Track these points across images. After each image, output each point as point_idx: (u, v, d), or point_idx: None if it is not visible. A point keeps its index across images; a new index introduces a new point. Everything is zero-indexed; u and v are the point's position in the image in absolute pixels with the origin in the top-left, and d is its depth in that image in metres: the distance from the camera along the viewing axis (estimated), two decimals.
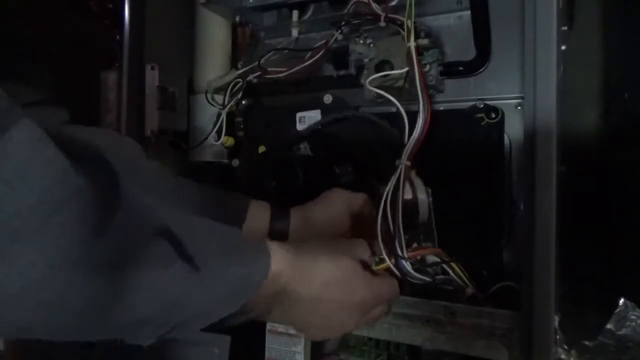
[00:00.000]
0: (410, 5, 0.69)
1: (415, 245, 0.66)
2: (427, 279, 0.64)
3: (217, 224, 0.44)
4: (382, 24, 0.73)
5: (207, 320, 0.42)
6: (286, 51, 0.86)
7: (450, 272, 0.65)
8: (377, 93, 0.70)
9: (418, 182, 0.68)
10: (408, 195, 0.66)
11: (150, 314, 0.38)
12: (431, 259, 0.66)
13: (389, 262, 0.62)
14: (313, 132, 0.80)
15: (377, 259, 0.62)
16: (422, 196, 0.66)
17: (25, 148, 0.29)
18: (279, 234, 0.68)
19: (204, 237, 0.41)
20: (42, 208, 0.29)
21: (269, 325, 0.76)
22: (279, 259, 0.46)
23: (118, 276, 0.35)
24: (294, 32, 0.88)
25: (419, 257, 0.64)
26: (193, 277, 0.38)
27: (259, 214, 0.68)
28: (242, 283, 0.43)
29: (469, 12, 0.75)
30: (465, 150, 0.73)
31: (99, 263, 0.33)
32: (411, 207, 0.66)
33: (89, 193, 0.32)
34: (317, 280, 0.50)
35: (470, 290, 0.64)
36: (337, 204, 0.70)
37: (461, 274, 0.64)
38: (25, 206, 0.29)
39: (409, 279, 0.64)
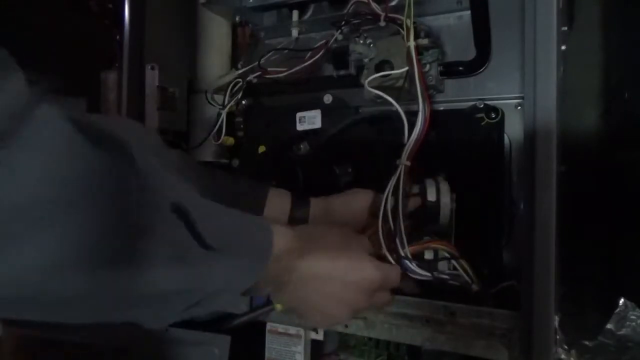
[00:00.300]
0: (410, 5, 0.69)
1: (426, 238, 0.66)
2: (428, 274, 0.64)
3: (225, 208, 0.45)
4: (382, 23, 0.74)
5: (228, 295, 0.44)
6: (286, 51, 0.86)
7: (459, 268, 0.65)
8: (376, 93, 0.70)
9: (444, 185, 0.68)
10: (431, 197, 0.66)
11: (170, 289, 0.39)
12: (441, 254, 0.66)
13: (390, 258, 0.63)
14: (313, 132, 0.80)
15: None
16: (446, 200, 0.67)
17: (48, 130, 0.31)
18: (298, 223, 0.68)
19: (215, 216, 0.43)
20: (66, 189, 0.31)
21: (269, 325, 0.76)
22: (284, 234, 0.48)
23: (138, 252, 0.36)
24: (294, 32, 0.88)
25: (429, 251, 0.64)
26: (208, 256, 0.40)
27: (278, 202, 0.69)
28: (255, 255, 0.44)
29: (469, 12, 0.75)
30: (465, 150, 0.73)
31: (117, 241, 0.34)
32: (432, 209, 0.67)
33: (107, 172, 0.33)
34: (326, 257, 0.51)
35: (476, 287, 0.64)
36: (360, 201, 0.70)
37: (469, 270, 0.65)
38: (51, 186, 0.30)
39: (410, 274, 0.64)
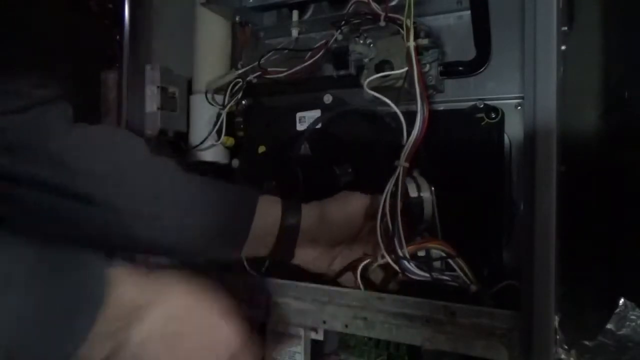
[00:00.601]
0: (410, 5, 0.69)
1: (418, 239, 0.67)
2: (427, 274, 0.64)
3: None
4: (382, 23, 0.73)
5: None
6: (286, 51, 0.86)
7: (456, 267, 0.65)
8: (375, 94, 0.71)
9: (422, 180, 0.69)
10: (413, 194, 0.67)
11: None
12: (436, 253, 0.67)
13: (389, 259, 0.63)
14: (313, 132, 0.80)
15: (379, 257, 0.63)
16: (427, 194, 0.68)
17: None
18: (290, 230, 0.67)
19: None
20: None
21: (269, 326, 0.76)
22: (127, 282, 0.42)
23: None
24: (294, 32, 0.88)
25: (421, 250, 0.65)
26: None
27: (269, 210, 0.67)
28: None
29: (469, 12, 0.75)
30: (465, 150, 0.73)
31: None
32: (416, 205, 0.68)
33: None
34: (174, 313, 0.44)
35: (474, 287, 0.64)
36: (355, 204, 0.69)
37: (466, 270, 0.65)
38: None
39: (410, 275, 0.65)
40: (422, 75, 0.71)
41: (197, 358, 0.46)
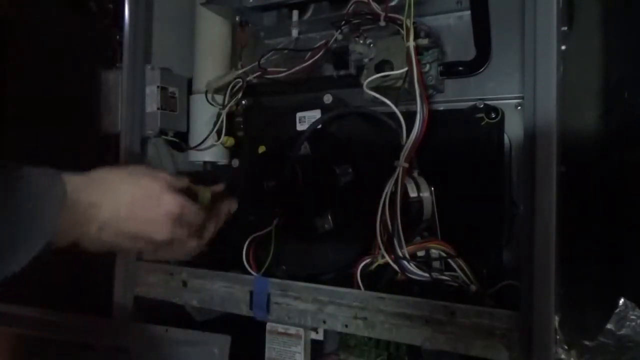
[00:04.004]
0: (410, 5, 0.69)
1: (418, 239, 0.67)
2: (427, 274, 0.64)
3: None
4: (382, 23, 0.74)
5: (39, 234, 0.47)
6: (286, 51, 0.86)
7: (456, 267, 0.65)
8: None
9: (421, 181, 0.69)
10: (413, 194, 0.67)
11: None
12: (436, 253, 0.67)
13: (388, 259, 0.63)
14: (313, 132, 0.80)
15: (379, 257, 0.63)
16: (426, 194, 0.69)
17: None
18: None
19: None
20: None
21: (269, 326, 0.76)
22: (75, 181, 0.51)
23: None
24: (294, 32, 0.88)
25: (421, 250, 0.65)
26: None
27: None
28: (49, 194, 0.48)
29: (469, 12, 0.75)
30: (465, 150, 0.73)
31: None
32: (416, 205, 0.68)
33: None
34: (121, 203, 0.54)
35: (474, 287, 0.64)
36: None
37: (466, 270, 0.65)
38: None
39: (410, 275, 0.65)
40: (422, 75, 0.71)
41: (148, 227, 0.56)
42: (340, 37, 0.79)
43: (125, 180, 0.56)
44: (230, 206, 0.74)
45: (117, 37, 0.91)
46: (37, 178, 0.49)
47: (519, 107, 0.72)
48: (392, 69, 0.71)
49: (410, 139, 0.67)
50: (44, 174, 0.49)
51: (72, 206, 0.49)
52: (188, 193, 0.64)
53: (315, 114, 0.80)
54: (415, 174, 0.71)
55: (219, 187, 0.76)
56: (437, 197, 0.70)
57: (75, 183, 0.51)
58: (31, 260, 0.47)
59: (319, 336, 0.75)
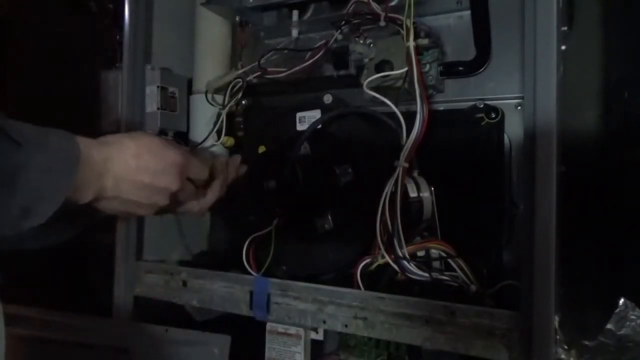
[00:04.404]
0: (410, 5, 0.69)
1: (418, 239, 0.67)
2: (427, 274, 0.64)
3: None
4: (382, 23, 0.74)
5: (55, 192, 0.50)
6: (286, 51, 0.86)
7: (456, 267, 0.65)
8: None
9: (422, 181, 0.69)
10: (413, 194, 0.67)
11: None
12: (436, 253, 0.67)
13: (388, 259, 0.63)
14: (313, 132, 0.80)
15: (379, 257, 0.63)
16: (426, 194, 0.69)
17: None
18: None
19: (23, 127, 0.49)
20: None
21: (269, 326, 0.76)
22: (86, 142, 0.54)
23: None
24: (294, 32, 0.88)
25: (421, 250, 0.65)
26: (20, 151, 0.47)
27: None
28: (67, 153, 0.51)
29: (469, 12, 0.75)
30: (465, 150, 0.73)
31: None
32: (416, 205, 0.68)
33: None
34: (129, 155, 0.57)
35: (474, 287, 0.64)
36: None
37: (466, 270, 0.65)
38: None
39: (410, 275, 0.65)
40: (422, 75, 0.71)
41: (160, 177, 0.59)
42: (340, 37, 0.79)
43: (129, 137, 0.60)
44: (237, 167, 0.78)
45: (117, 37, 0.91)
46: (54, 137, 0.51)
47: (519, 107, 0.72)
48: (392, 69, 0.71)
49: (410, 139, 0.67)
50: (59, 135, 0.52)
51: (86, 161, 0.52)
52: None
53: (315, 114, 0.80)
54: (415, 174, 0.71)
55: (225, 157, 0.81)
56: (437, 197, 0.70)
57: (86, 142, 0.54)
58: (56, 215, 0.50)
59: (319, 336, 0.75)
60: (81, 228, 0.68)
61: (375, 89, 0.71)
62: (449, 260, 0.67)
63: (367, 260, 0.69)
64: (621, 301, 0.57)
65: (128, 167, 0.57)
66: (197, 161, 0.66)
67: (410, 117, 0.68)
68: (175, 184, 0.61)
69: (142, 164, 0.58)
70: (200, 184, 0.68)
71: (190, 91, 0.94)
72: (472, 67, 0.75)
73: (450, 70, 0.75)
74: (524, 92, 0.63)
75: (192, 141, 0.92)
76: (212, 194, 0.71)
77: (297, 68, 0.81)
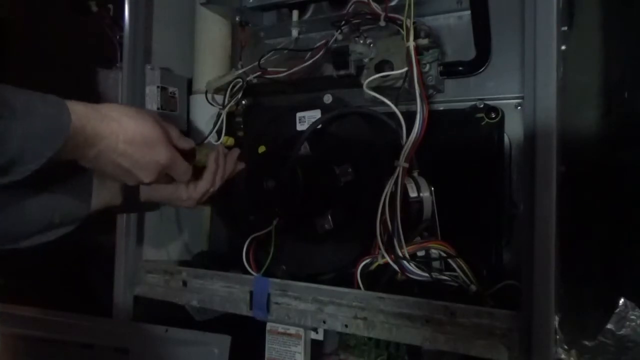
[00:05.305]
0: (410, 5, 0.69)
1: (418, 239, 0.67)
2: (427, 274, 0.64)
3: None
4: (382, 23, 0.74)
5: (36, 156, 0.50)
6: (286, 51, 0.86)
7: (456, 267, 0.65)
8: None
9: (422, 181, 0.69)
10: (413, 194, 0.67)
11: None
12: (436, 253, 0.67)
13: (388, 259, 0.63)
14: (313, 132, 0.80)
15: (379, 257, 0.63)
16: (426, 194, 0.69)
17: None
18: (130, 200, 0.72)
19: (13, 90, 0.50)
20: None
21: (269, 326, 0.76)
22: (79, 108, 0.54)
23: None
24: (294, 32, 0.88)
25: (421, 250, 0.65)
26: (7, 112, 0.48)
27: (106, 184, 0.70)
28: (54, 121, 0.51)
29: (469, 12, 0.75)
30: (465, 150, 0.73)
31: None
32: (416, 205, 0.68)
33: None
34: (120, 139, 0.58)
35: (474, 287, 0.64)
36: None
37: (466, 270, 0.65)
38: None
39: (410, 275, 0.65)
40: (422, 75, 0.71)
41: (138, 169, 0.60)
42: (340, 37, 0.79)
43: (132, 117, 0.60)
44: (234, 160, 0.79)
45: (117, 37, 0.91)
46: (42, 106, 0.52)
47: (519, 107, 0.72)
48: (392, 69, 0.71)
49: (410, 139, 0.67)
50: (49, 103, 0.52)
51: (74, 133, 0.53)
52: (189, 152, 0.69)
53: (315, 114, 0.80)
54: (415, 174, 0.71)
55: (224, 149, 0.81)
56: (437, 197, 0.70)
57: (81, 113, 0.54)
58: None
59: (319, 336, 0.75)
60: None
61: (375, 89, 0.71)
62: (449, 260, 0.67)
63: (367, 260, 0.69)
64: (621, 301, 0.57)
65: (114, 149, 0.58)
66: (183, 165, 0.66)
67: (410, 117, 0.68)
68: (148, 179, 0.62)
69: (129, 151, 0.59)
70: (183, 180, 0.68)
71: (190, 91, 0.94)
72: (472, 67, 0.75)
73: (450, 70, 0.75)
74: (524, 92, 0.63)
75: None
76: (204, 185, 0.72)
77: (297, 68, 0.81)
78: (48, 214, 0.61)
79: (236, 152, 0.81)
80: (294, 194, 0.76)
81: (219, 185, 0.76)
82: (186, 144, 0.68)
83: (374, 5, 0.74)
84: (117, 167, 0.60)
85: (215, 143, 0.88)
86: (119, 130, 0.58)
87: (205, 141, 0.88)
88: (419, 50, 0.70)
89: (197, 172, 0.72)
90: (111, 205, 0.69)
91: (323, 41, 0.80)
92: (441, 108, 0.77)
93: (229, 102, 0.88)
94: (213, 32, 0.93)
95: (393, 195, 0.66)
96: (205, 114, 0.92)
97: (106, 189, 0.68)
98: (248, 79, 0.87)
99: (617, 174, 0.71)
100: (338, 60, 0.78)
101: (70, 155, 0.55)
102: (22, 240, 0.61)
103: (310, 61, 0.80)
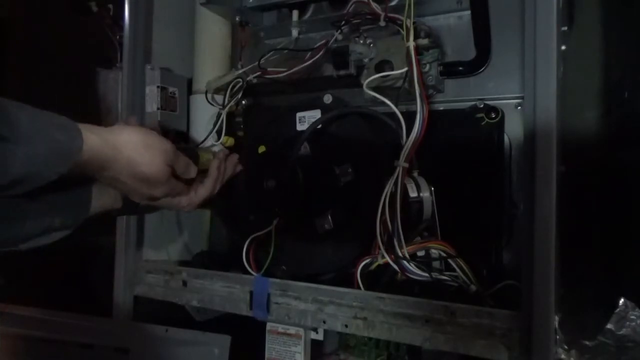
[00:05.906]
0: (410, 5, 0.69)
1: (418, 239, 0.67)
2: (427, 274, 0.64)
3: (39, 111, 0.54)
4: (382, 23, 0.74)
5: (39, 179, 0.52)
6: (286, 51, 0.86)
7: (456, 267, 0.65)
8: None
9: (422, 181, 0.69)
10: (413, 194, 0.67)
11: None
12: (436, 253, 0.67)
13: (388, 259, 0.63)
14: (313, 132, 0.80)
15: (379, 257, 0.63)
16: (426, 194, 0.69)
17: None
18: (129, 204, 0.74)
19: (23, 111, 0.51)
20: None
21: (269, 326, 0.76)
22: (90, 131, 0.56)
23: None
24: (294, 32, 0.88)
25: (421, 250, 0.65)
26: (10, 133, 0.48)
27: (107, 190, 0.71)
28: (60, 146, 0.52)
29: (469, 12, 0.75)
30: (465, 150, 0.73)
31: None
32: (416, 205, 0.68)
33: None
34: (127, 171, 0.61)
35: (474, 287, 0.64)
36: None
37: (466, 270, 0.65)
38: None
39: (410, 275, 0.65)
40: (422, 75, 0.71)
41: (153, 168, 0.63)
42: (340, 37, 0.79)
43: (141, 154, 0.62)
44: (235, 167, 0.81)
45: (117, 37, 0.91)
46: (52, 128, 0.53)
47: (519, 107, 0.72)
48: (392, 69, 0.71)
49: (410, 139, 0.67)
50: (61, 127, 0.54)
51: (81, 162, 0.54)
52: (191, 158, 0.71)
53: (315, 114, 0.80)
54: (415, 174, 0.71)
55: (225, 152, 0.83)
56: (437, 197, 0.70)
57: (92, 143, 0.56)
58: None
59: (319, 336, 0.75)
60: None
61: (375, 89, 0.71)
62: (449, 260, 0.67)
63: (367, 260, 0.69)
64: (621, 301, 0.57)
65: (117, 179, 0.61)
66: (182, 193, 0.70)
67: (410, 117, 0.68)
68: (147, 202, 0.67)
69: (129, 183, 0.62)
70: (182, 205, 0.72)
71: (190, 91, 0.94)
72: (472, 67, 0.75)
73: (450, 70, 0.75)
74: (524, 92, 0.63)
75: (192, 141, 0.92)
76: (204, 191, 0.73)
77: (297, 68, 0.81)
78: (48, 217, 0.62)
79: (235, 156, 0.82)
80: (294, 194, 0.76)
81: (219, 189, 0.76)
82: (191, 174, 0.70)
83: (374, 5, 0.74)
84: (118, 187, 0.63)
85: (216, 143, 0.88)
86: (125, 165, 0.60)
87: (205, 141, 0.88)
88: (419, 50, 0.70)
89: (198, 177, 0.72)
90: (111, 209, 0.71)
91: (323, 41, 0.80)
92: (441, 108, 0.77)
93: (229, 102, 0.88)
94: (213, 32, 0.93)
95: (393, 195, 0.66)
96: (205, 114, 0.92)
97: (107, 194, 0.69)
98: (248, 79, 0.87)
99: (617, 174, 0.71)
100: (338, 60, 0.78)
101: (72, 173, 0.56)
102: (21, 243, 0.61)
103: (310, 61, 0.80)
